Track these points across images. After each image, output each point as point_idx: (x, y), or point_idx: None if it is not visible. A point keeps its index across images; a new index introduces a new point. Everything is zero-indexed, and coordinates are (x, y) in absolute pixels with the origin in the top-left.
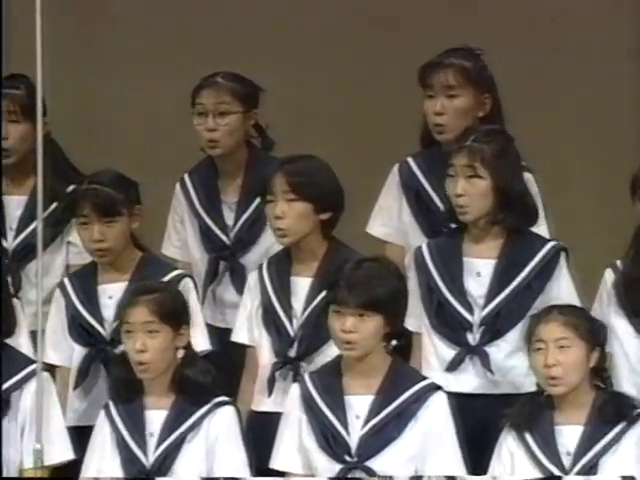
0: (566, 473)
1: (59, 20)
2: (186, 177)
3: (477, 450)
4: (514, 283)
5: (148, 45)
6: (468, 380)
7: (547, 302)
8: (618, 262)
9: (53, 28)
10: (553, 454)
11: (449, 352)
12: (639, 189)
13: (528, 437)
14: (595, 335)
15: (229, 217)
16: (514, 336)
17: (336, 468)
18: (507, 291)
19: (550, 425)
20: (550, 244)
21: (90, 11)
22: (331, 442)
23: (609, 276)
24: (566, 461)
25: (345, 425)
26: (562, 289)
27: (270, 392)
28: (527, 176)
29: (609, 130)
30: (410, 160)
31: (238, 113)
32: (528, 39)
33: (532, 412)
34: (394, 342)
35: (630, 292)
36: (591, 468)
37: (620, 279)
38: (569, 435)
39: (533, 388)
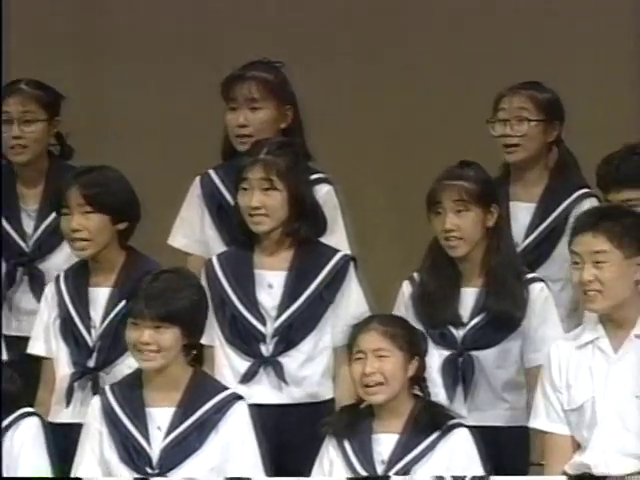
0: None
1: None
2: None
3: (286, 461)
4: (305, 294)
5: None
6: (262, 391)
7: (337, 312)
8: (415, 274)
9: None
10: (368, 462)
11: (243, 364)
12: (435, 205)
13: (347, 445)
14: (414, 345)
15: (28, 225)
16: (307, 346)
17: None
18: (299, 302)
19: (368, 433)
20: (339, 254)
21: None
22: (132, 454)
23: (406, 288)
24: (380, 469)
25: (146, 437)
26: (352, 298)
27: (68, 403)
28: (327, 188)
29: (405, 143)
30: (212, 172)
31: (43, 121)
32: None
33: (352, 420)
34: (194, 352)
35: (427, 304)
36: (403, 476)
37: (417, 291)
38: (385, 443)
39: (328, 396)
